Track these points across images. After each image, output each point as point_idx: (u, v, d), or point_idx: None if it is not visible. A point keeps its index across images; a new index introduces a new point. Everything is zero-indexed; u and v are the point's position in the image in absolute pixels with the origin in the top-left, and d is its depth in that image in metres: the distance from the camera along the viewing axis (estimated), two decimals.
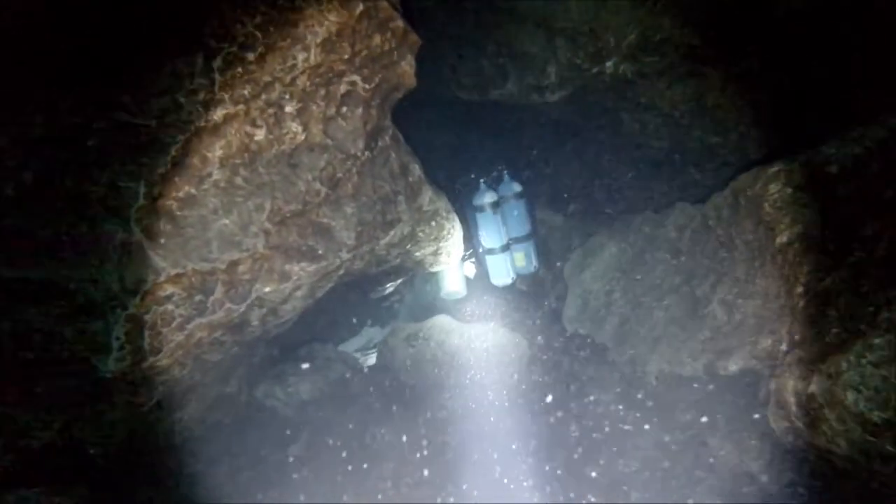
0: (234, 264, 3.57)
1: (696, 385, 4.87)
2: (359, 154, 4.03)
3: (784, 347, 3.86)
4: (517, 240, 6.27)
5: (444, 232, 5.51)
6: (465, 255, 6.30)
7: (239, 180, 3.49)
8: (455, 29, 6.25)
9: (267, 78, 3.31)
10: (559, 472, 5.02)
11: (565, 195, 7.15)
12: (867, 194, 3.53)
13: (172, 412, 4.59)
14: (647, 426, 5.15)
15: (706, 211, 5.22)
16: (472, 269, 6.81)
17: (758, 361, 4.30)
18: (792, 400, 3.56)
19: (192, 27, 3.00)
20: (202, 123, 3.17)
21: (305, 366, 5.90)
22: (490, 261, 6.32)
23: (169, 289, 3.37)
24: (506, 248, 6.21)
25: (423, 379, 5.91)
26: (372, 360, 6.65)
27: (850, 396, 3.11)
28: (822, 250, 3.71)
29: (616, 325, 5.89)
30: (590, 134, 6.76)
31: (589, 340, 6.13)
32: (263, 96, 3.37)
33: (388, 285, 6.80)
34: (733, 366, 4.40)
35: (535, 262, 6.37)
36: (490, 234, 6.16)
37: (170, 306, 3.41)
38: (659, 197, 6.29)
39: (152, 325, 3.37)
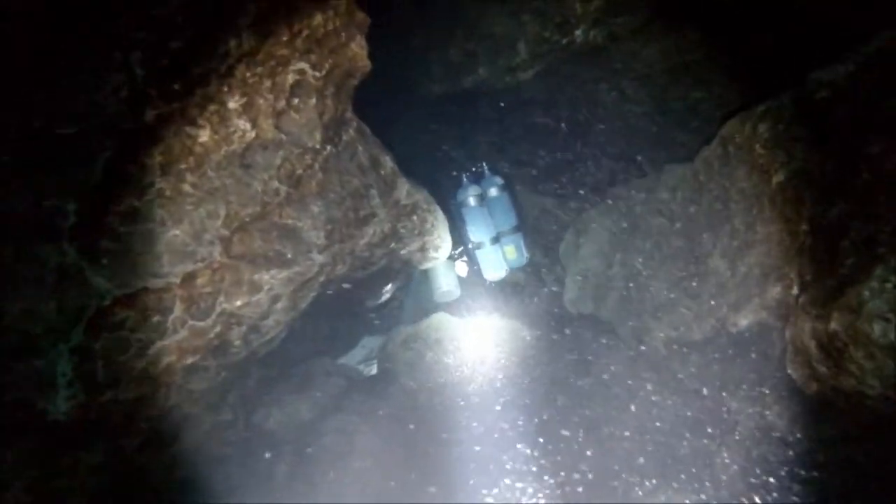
0: (190, 277, 3.19)
1: (707, 348, 4.48)
2: (318, 147, 3.66)
3: (796, 291, 3.46)
4: (505, 233, 5.94)
5: (428, 225, 5.14)
6: (455, 255, 6.03)
7: (187, 187, 3.13)
8: (420, 21, 5.93)
9: (197, 69, 2.95)
10: (574, 453, 4.63)
11: (551, 176, 6.78)
12: (868, 110, 3.14)
13: (162, 450, 4.22)
14: (660, 397, 4.76)
15: (696, 167, 4.86)
16: (464, 268, 6.41)
17: (768, 312, 3.90)
18: (811, 344, 3.15)
19: (103, 16, 2.64)
20: (131, 126, 2.80)
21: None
22: (481, 255, 5.97)
23: (119, 313, 2.99)
24: (496, 240, 5.89)
25: (424, 381, 5.52)
26: (374, 369, 6.27)
27: (878, 328, 2.71)
28: (824, 181, 3.32)
29: (617, 300, 5.49)
30: (569, 110, 6.40)
31: (592, 320, 5.74)
32: (198, 91, 3.01)
33: (383, 291, 6.42)
34: (743, 320, 4.01)
35: (525, 254, 6.05)
36: (478, 228, 5.84)
37: (123, 332, 3.03)
38: (647, 164, 5.91)
39: (104, 354, 2.99)
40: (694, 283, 4.61)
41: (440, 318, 5.90)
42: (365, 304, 6.56)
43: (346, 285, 5.15)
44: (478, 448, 4.96)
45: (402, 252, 5.26)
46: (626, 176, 6.04)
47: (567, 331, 5.90)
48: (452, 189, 6.03)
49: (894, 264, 2.66)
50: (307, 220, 3.70)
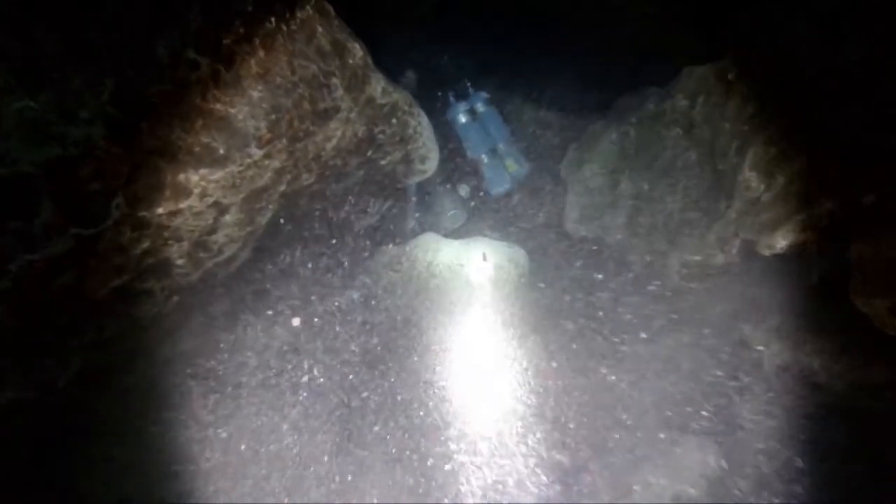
0: (56, 165, 2.23)
1: (732, 274, 3.57)
2: (254, 14, 2.69)
3: (865, 201, 2.52)
4: (501, 142, 5.27)
5: (410, 131, 4.19)
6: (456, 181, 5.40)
7: None
8: None
9: None
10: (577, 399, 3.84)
11: (551, 86, 5.75)
12: None
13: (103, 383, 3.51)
14: (675, 332, 3.90)
15: (724, 65, 3.83)
16: (465, 188, 5.50)
17: (813, 232, 2.97)
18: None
19: None
20: None
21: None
22: (484, 169, 5.27)
23: None
24: (493, 152, 5.24)
25: (410, 307, 4.67)
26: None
27: None
28: None
29: (625, 222, 4.56)
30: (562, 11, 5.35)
31: (595, 245, 4.83)
32: None
33: (369, 210, 5.51)
34: (782, 241, 3.07)
35: (525, 163, 5.33)
36: (475, 143, 5.19)
37: None
38: (655, 68, 4.85)
39: None
40: (717, 202, 3.66)
41: (429, 239, 5.00)
42: (353, 227, 5.67)
43: (318, 205, 4.26)
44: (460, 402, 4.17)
45: (383, 162, 4.33)
46: (636, 83, 5.01)
47: (567, 255, 5.01)
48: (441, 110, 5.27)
49: None
50: (243, 106, 2.76)
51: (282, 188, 3.50)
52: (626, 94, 4.91)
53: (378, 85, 3.71)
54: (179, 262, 3.30)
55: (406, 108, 4.02)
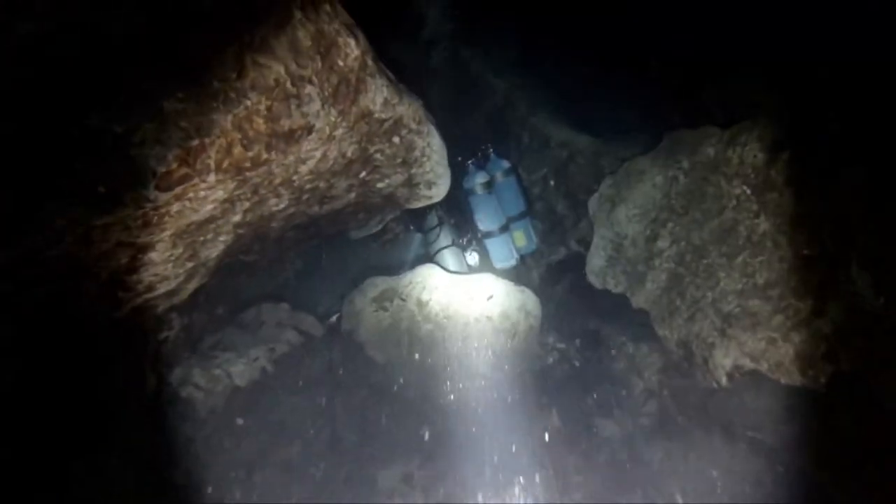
0: None
1: (803, 397, 2.50)
2: None
3: None
4: (513, 218, 4.58)
5: (416, 153, 3.14)
6: (462, 243, 4.65)
7: None
8: None
9: None
10: None
11: (588, 101, 4.66)
12: None
13: None
14: (708, 447, 2.86)
15: None
16: (475, 257, 4.72)
17: None
18: None
19: None
20: None
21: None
22: (490, 244, 4.57)
23: None
24: (504, 228, 4.55)
25: (396, 357, 3.65)
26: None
27: None
28: None
29: (663, 286, 3.49)
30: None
31: (621, 305, 3.77)
32: None
33: (372, 223, 4.49)
34: None
35: (535, 239, 4.68)
36: (487, 217, 4.50)
37: None
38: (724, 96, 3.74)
39: None
40: (801, 298, 2.57)
41: (428, 273, 3.96)
42: (349, 234, 4.65)
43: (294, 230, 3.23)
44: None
45: (380, 185, 3.29)
46: (696, 113, 3.90)
47: (589, 313, 3.96)
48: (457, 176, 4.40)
49: None
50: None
51: (235, 218, 2.47)
52: (680, 127, 3.78)
53: (378, 95, 2.64)
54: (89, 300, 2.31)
55: (413, 125, 2.95)
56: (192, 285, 2.85)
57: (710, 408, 2.99)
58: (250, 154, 2.04)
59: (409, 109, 2.88)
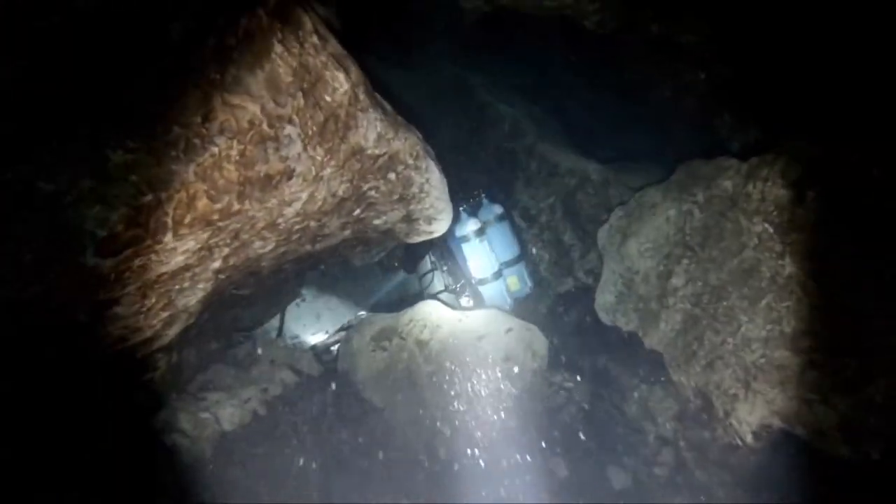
0: None
1: (847, 468, 2.18)
2: None
3: None
4: (507, 263, 4.37)
5: (414, 189, 2.85)
6: (455, 288, 4.47)
7: None
8: None
9: None
10: None
11: (601, 129, 4.38)
12: None
13: None
14: None
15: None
16: (469, 304, 4.52)
17: None
18: None
19: None
20: None
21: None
22: (484, 290, 4.36)
23: None
24: (498, 274, 4.34)
25: (394, 401, 3.35)
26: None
27: None
28: None
29: (678, 328, 3.18)
30: (633, 47, 3.94)
31: (632, 345, 3.46)
32: None
33: (373, 253, 4.23)
34: None
35: (528, 283, 4.46)
36: (481, 264, 4.30)
37: None
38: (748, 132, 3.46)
39: None
40: (836, 354, 2.26)
41: (428, 311, 3.67)
42: (349, 263, 4.37)
43: (287, 262, 2.95)
44: None
45: (377, 222, 3.02)
46: (712, 144, 3.60)
47: (598, 353, 3.65)
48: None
49: None
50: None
51: (215, 265, 2.20)
52: (695, 158, 3.48)
53: (370, 130, 2.37)
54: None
55: (410, 160, 2.67)
56: (173, 331, 2.58)
57: (733, 465, 2.67)
58: (218, 206, 1.77)
59: (405, 144, 2.60)
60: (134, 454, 2.97)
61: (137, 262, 1.74)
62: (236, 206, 1.84)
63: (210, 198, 1.73)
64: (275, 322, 4.45)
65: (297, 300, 4.58)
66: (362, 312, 4.80)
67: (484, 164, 4.98)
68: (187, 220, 1.73)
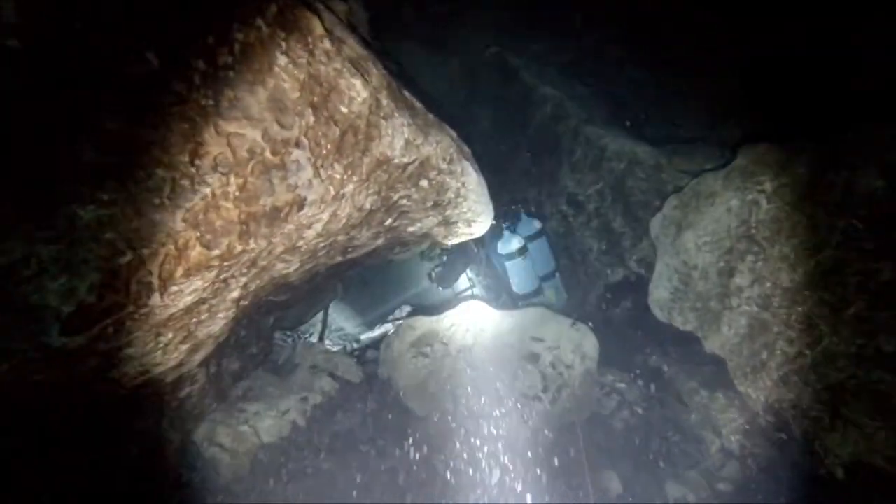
0: None
1: None
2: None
3: None
4: (545, 277, 4.36)
5: (449, 194, 2.54)
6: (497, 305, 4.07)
7: None
8: None
9: None
10: None
11: (651, 107, 3.92)
12: None
13: None
14: None
15: None
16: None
17: None
18: None
19: None
20: None
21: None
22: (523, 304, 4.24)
23: None
24: (539, 291, 4.30)
25: (436, 410, 3.10)
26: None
27: None
28: None
29: (743, 332, 2.79)
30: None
31: (692, 346, 3.09)
32: None
33: (412, 250, 3.96)
34: None
35: (564, 294, 4.45)
36: (523, 281, 4.26)
37: None
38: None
39: None
40: None
41: (471, 311, 3.37)
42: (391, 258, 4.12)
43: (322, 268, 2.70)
44: None
45: (411, 229, 2.72)
46: (784, 124, 3.13)
47: (654, 350, 3.30)
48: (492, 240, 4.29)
49: None
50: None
51: (233, 295, 1.95)
52: (762, 140, 3.01)
53: (397, 138, 2.06)
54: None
55: (443, 164, 2.35)
56: (199, 356, 2.38)
57: (813, 496, 2.31)
58: (216, 252, 1.51)
59: (437, 148, 2.28)
60: (172, 471, 2.86)
61: (141, 310, 1.50)
62: (239, 248, 1.58)
63: (205, 244, 1.47)
64: (316, 320, 4.28)
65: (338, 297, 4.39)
66: (408, 307, 4.64)
67: (527, 147, 4.60)
68: (178, 274, 1.48)
